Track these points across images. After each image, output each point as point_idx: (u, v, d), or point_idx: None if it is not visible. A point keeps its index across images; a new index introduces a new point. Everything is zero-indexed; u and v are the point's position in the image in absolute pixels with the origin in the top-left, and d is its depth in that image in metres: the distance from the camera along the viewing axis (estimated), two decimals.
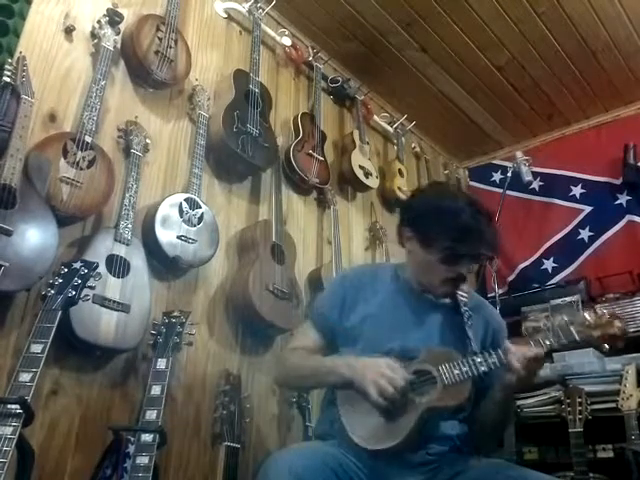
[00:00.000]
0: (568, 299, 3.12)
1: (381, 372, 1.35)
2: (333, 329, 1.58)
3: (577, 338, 1.31)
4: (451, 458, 1.44)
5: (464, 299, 1.55)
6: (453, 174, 4.13)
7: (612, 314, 1.33)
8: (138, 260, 1.90)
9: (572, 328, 1.33)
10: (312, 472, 1.24)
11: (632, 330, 2.89)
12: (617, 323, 1.31)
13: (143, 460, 1.57)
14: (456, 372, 1.36)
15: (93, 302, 1.71)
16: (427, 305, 1.56)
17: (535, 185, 3.68)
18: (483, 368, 1.35)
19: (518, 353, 1.32)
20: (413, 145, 3.79)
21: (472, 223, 1.43)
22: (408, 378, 1.37)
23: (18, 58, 1.77)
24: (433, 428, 1.42)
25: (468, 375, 1.35)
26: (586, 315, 1.33)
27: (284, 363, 1.68)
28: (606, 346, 1.30)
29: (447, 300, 1.57)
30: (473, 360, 1.37)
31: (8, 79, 1.70)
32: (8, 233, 1.56)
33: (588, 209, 3.52)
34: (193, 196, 2.14)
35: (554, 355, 2.98)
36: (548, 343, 1.34)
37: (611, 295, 3.06)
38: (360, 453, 1.38)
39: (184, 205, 2.10)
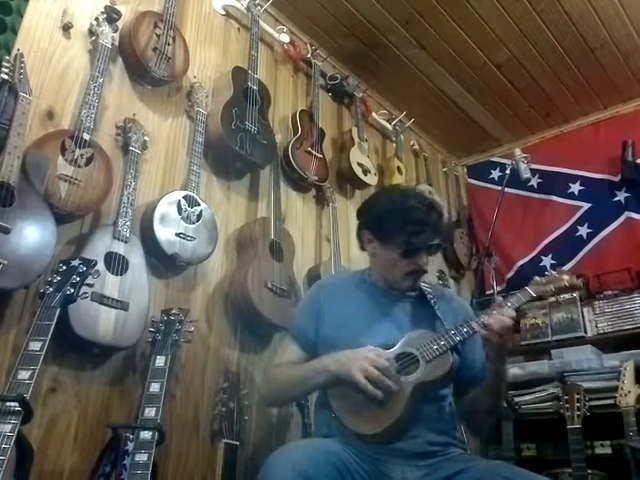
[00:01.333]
0: (566, 296, 3.13)
1: (364, 357, 1.42)
2: (312, 341, 1.63)
3: (533, 294, 1.49)
4: (452, 455, 1.46)
5: (428, 289, 1.67)
6: (452, 171, 4.14)
7: (560, 270, 1.54)
8: (137, 258, 1.90)
9: (528, 288, 1.50)
10: (315, 468, 1.25)
11: (630, 327, 2.91)
12: (565, 276, 1.50)
13: (142, 457, 1.57)
14: (435, 347, 1.45)
15: (92, 300, 1.71)
16: (395, 300, 1.65)
17: (534, 182, 3.69)
18: (458, 338, 1.45)
19: (488, 315, 1.44)
20: (412, 142, 3.79)
21: (424, 217, 1.54)
22: (392, 359, 1.44)
23: (16, 55, 1.77)
24: (425, 412, 1.47)
25: (446, 347, 1.45)
26: (537, 277, 1.53)
27: (271, 379, 1.70)
28: (561, 298, 1.49)
29: (413, 293, 1.66)
30: (447, 333, 1.47)
31: (6, 76, 1.69)
32: (6, 231, 1.56)
33: (586, 206, 3.53)
34: (192, 193, 2.13)
35: (552, 352, 2.99)
36: (509, 304, 1.46)
37: (609, 292, 3.07)
38: (361, 448, 1.40)
39: (183, 202, 2.09)
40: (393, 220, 1.55)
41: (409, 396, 1.41)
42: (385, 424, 1.40)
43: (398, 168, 3.36)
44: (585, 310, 3.06)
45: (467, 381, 1.56)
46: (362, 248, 1.72)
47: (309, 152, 2.75)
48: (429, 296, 1.63)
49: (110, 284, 1.78)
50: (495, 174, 4.02)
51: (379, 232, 1.62)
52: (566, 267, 3.37)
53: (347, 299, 1.66)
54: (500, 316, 1.41)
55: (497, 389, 1.52)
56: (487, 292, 3.39)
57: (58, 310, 1.48)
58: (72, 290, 1.52)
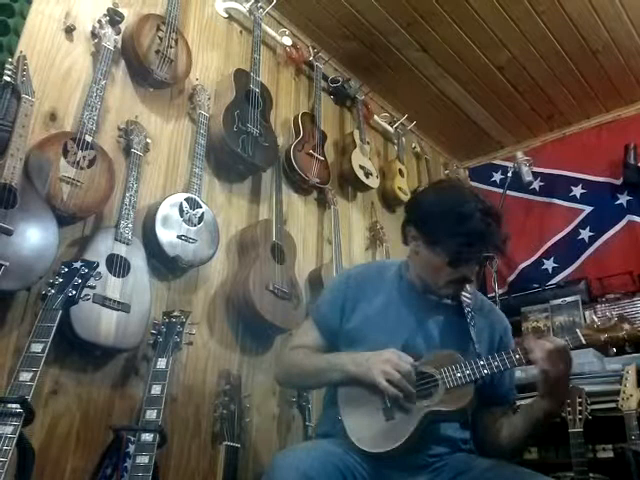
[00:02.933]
0: (568, 299, 3.12)
1: (386, 359, 1.36)
2: (334, 330, 1.57)
3: (583, 341, 1.29)
4: (452, 458, 1.43)
5: (468, 300, 1.54)
6: (453, 174, 4.12)
7: (620, 316, 1.32)
8: (138, 260, 1.90)
9: (579, 332, 1.31)
10: (319, 471, 1.24)
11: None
12: (625, 326, 1.29)
13: (143, 459, 1.56)
14: (458, 375, 1.35)
15: (93, 302, 1.71)
16: (430, 306, 1.54)
17: (535, 185, 3.68)
18: (486, 371, 1.34)
19: (538, 345, 1.29)
20: (413, 145, 3.79)
21: (482, 227, 1.39)
22: (413, 369, 1.36)
23: (18, 57, 1.77)
24: (433, 431, 1.41)
25: (470, 378, 1.34)
26: (594, 317, 1.32)
27: (285, 361, 1.66)
28: (614, 350, 1.30)
29: (450, 301, 1.54)
30: (476, 363, 1.35)
31: (9, 78, 1.70)
32: (8, 232, 1.56)
33: (588, 209, 3.52)
34: (193, 196, 2.14)
35: None
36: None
37: (611, 295, 3.05)
38: (363, 453, 1.38)
39: (184, 205, 2.10)
40: (446, 224, 1.41)
41: (419, 422, 1.34)
42: (388, 448, 1.34)
43: (400, 171, 3.36)
44: (587, 313, 3.04)
45: (489, 400, 1.47)
46: (404, 243, 1.59)
47: (311, 154, 2.75)
48: (467, 309, 1.51)
49: (112, 286, 1.79)
50: (497, 177, 4.02)
51: (427, 232, 1.47)
52: (568, 270, 3.45)
53: (377, 294, 1.56)
54: (543, 341, 1.28)
55: (534, 428, 1.38)
56: (489, 295, 3.38)
57: (60, 312, 1.48)
58: (74, 292, 1.52)
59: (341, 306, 1.57)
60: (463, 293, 1.54)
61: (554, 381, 1.28)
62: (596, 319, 1.32)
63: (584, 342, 1.29)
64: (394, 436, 1.34)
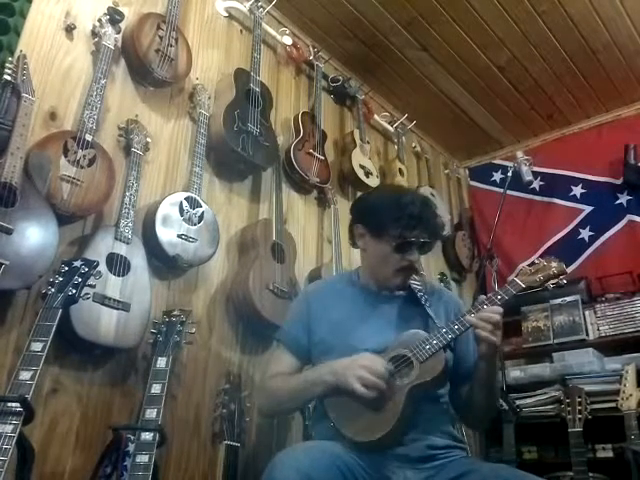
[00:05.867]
0: (568, 299, 3.12)
1: (359, 364, 1.41)
2: (306, 349, 1.63)
3: (523, 285, 1.49)
4: (453, 458, 1.45)
5: (419, 287, 1.66)
6: (453, 173, 4.14)
7: (547, 258, 1.53)
8: (138, 259, 1.90)
9: (517, 279, 1.51)
10: (320, 471, 1.25)
11: (632, 330, 2.91)
12: (553, 263, 1.51)
13: (143, 459, 1.57)
14: (427, 347, 1.44)
15: (93, 301, 1.71)
16: (386, 300, 1.65)
17: (535, 185, 3.68)
18: (450, 336, 1.45)
19: (476, 315, 1.44)
20: (413, 144, 3.79)
21: (419, 211, 1.55)
22: (386, 365, 1.43)
23: (19, 57, 1.77)
24: (426, 419, 1.46)
25: (438, 346, 1.44)
26: (525, 265, 1.54)
27: (266, 392, 1.67)
28: (550, 286, 1.51)
29: (403, 292, 1.66)
30: (439, 332, 1.46)
31: (9, 77, 1.70)
32: (8, 231, 1.56)
33: (588, 209, 3.52)
34: (193, 195, 2.14)
35: (554, 355, 2.99)
36: (499, 297, 1.49)
37: (611, 295, 3.06)
38: (362, 451, 1.39)
39: (184, 204, 2.10)
40: (387, 212, 1.56)
41: (405, 400, 1.41)
42: (383, 431, 1.39)
43: (400, 170, 3.36)
44: (587, 313, 3.06)
45: (462, 375, 1.56)
46: (353, 244, 1.72)
47: (311, 154, 2.76)
48: (419, 294, 1.63)
49: (112, 285, 1.79)
50: (497, 176, 4.02)
51: (372, 225, 1.61)
52: (568, 270, 3.43)
53: (336, 303, 1.65)
54: (487, 313, 1.42)
55: (490, 385, 1.51)
56: (488, 294, 3.38)
57: (60, 311, 1.48)
58: (74, 291, 1.53)
59: (306, 323, 1.64)
60: (413, 283, 1.66)
61: (494, 346, 1.44)
62: (527, 267, 1.53)
63: (523, 286, 1.49)
64: (387, 419, 1.40)
